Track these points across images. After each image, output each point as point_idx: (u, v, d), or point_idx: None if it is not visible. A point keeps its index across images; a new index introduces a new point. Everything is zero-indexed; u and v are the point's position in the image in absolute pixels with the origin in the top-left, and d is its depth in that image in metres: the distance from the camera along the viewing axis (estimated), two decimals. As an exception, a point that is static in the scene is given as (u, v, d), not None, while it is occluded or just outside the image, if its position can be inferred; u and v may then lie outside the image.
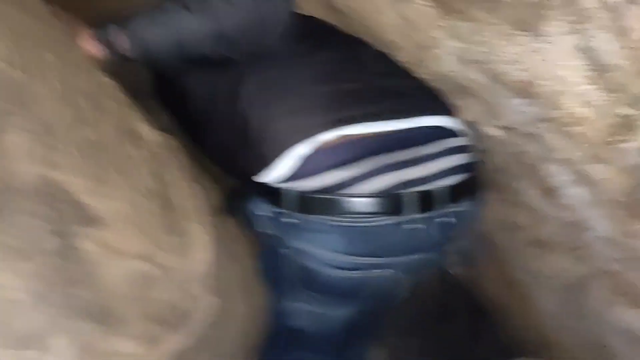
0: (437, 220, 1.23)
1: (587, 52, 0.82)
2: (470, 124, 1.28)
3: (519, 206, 1.44)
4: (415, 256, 1.26)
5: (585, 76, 0.85)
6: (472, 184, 1.28)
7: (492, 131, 1.24)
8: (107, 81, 1.07)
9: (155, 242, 1.04)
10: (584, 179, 1.08)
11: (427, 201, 1.20)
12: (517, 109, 1.07)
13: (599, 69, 0.83)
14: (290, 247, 1.26)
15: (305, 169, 1.17)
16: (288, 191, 1.19)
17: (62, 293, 0.85)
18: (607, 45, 0.79)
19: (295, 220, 1.22)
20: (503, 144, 1.26)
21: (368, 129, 1.16)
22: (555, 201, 1.26)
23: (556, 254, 1.48)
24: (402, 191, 1.17)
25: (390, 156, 1.18)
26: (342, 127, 1.15)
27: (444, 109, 1.26)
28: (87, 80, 0.99)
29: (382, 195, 1.17)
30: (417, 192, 1.18)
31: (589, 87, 0.87)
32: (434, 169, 1.21)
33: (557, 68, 0.89)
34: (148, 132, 1.09)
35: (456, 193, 1.23)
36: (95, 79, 1.04)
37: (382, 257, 1.24)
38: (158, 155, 1.09)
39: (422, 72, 1.24)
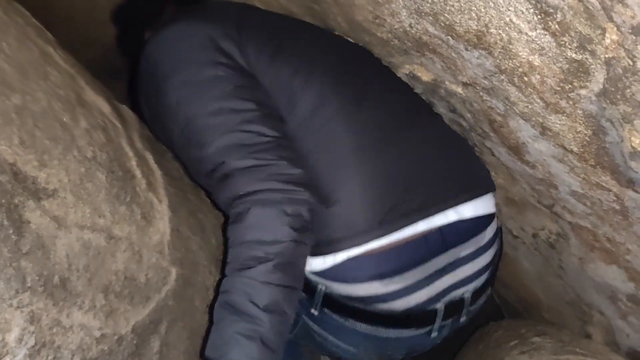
0: (454, 322, 1.26)
1: (531, -5, 0.78)
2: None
3: (492, 165, 1.42)
4: (418, 349, 1.29)
5: (531, 20, 0.81)
6: (492, 281, 1.31)
7: (456, 88, 1.21)
8: (52, 51, 1.04)
9: (109, 213, 1.02)
10: (545, 131, 1.05)
11: (456, 308, 1.23)
12: (475, 62, 1.03)
13: (544, 12, 0.79)
14: (307, 323, 1.26)
15: (346, 274, 1.13)
16: (321, 286, 1.17)
17: (11, 266, 0.84)
18: (549, -14, 0.75)
19: (319, 313, 1.20)
20: (469, 100, 1.22)
21: (414, 230, 1.14)
22: (523, 158, 1.24)
23: (532, 212, 1.46)
24: (437, 306, 1.18)
25: (430, 264, 1.16)
26: (391, 233, 1.12)
27: (482, 186, 1.26)
28: (27, 49, 0.96)
29: (417, 311, 1.16)
30: (450, 302, 1.20)
31: (536, 32, 0.83)
32: (468, 271, 1.22)
33: (505, 14, 0.85)
34: (97, 102, 1.07)
35: (479, 294, 1.27)
36: (40, 49, 1.01)
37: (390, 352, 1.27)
38: (109, 125, 1.07)
39: (382, 31, 1.21)
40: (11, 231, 0.84)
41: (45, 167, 0.90)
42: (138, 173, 1.09)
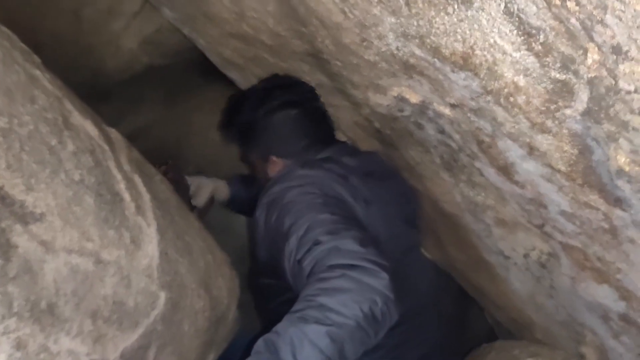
0: None
1: (515, 16, 0.80)
2: None
3: (481, 186, 1.42)
4: None
5: (515, 42, 0.83)
6: None
7: (444, 109, 1.22)
8: (39, 74, 1.04)
9: (97, 237, 1.01)
10: (533, 151, 1.06)
11: None
12: (462, 84, 1.05)
13: (527, 33, 0.80)
14: None
15: None
16: None
17: (-3, 291, 0.83)
18: (532, 7, 0.76)
19: None
20: (457, 121, 1.23)
21: None
22: (512, 178, 1.24)
23: (523, 232, 1.46)
24: None
25: None
26: None
27: None
28: (14, 72, 0.96)
29: None
30: None
31: (520, 53, 0.84)
32: None
33: (490, 36, 0.86)
34: (85, 125, 1.07)
35: None
36: (27, 72, 1.01)
37: None
38: (96, 148, 1.07)
39: (370, 54, 1.22)
40: (-2, 255, 0.83)
41: (32, 191, 0.90)
42: (127, 196, 1.08)
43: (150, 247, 1.09)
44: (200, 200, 1.78)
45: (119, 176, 1.08)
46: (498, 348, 1.56)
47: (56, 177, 0.95)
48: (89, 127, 1.06)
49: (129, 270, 1.06)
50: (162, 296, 1.11)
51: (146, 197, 1.13)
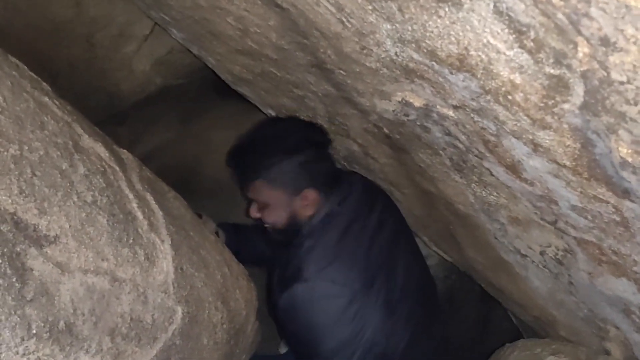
0: None
1: (504, 15, 0.80)
2: None
3: (492, 185, 1.42)
4: None
5: (507, 40, 0.83)
6: None
7: (448, 111, 1.23)
8: (48, 101, 1.08)
9: (112, 256, 1.04)
10: (537, 148, 1.06)
11: None
12: (461, 85, 1.05)
13: (518, 31, 0.81)
14: None
15: None
16: None
17: (15, 314, 0.86)
18: (520, 5, 0.77)
19: None
20: (462, 122, 1.24)
21: None
22: (521, 176, 1.24)
23: (537, 229, 1.45)
24: None
25: None
26: None
27: None
28: (23, 100, 0.99)
29: None
30: None
31: (513, 51, 0.85)
32: None
33: (482, 36, 0.87)
34: (95, 148, 1.10)
35: None
36: (36, 100, 1.05)
37: None
38: (107, 169, 1.10)
39: (371, 61, 1.23)
40: (14, 279, 0.86)
41: (45, 215, 0.93)
42: (139, 214, 1.11)
43: (165, 263, 1.12)
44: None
45: (130, 195, 1.11)
46: (521, 347, 1.55)
47: (68, 200, 0.98)
48: (100, 149, 1.09)
49: (145, 286, 1.08)
50: (179, 311, 1.14)
51: (159, 214, 1.16)
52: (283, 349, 2.22)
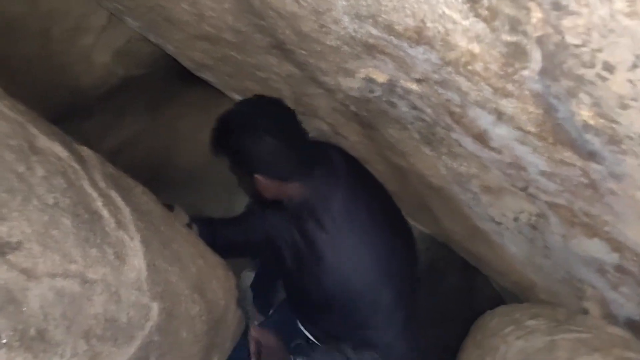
0: None
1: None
2: None
3: (462, 156, 1.42)
4: None
5: (462, 10, 0.82)
6: None
7: (411, 85, 1.22)
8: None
9: (80, 257, 1.01)
10: (501, 116, 1.05)
11: None
12: (422, 58, 1.04)
13: (471, 0, 0.79)
14: None
15: None
16: None
17: (-16, 325, 0.83)
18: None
19: None
20: (426, 95, 1.23)
21: None
22: (488, 145, 1.24)
23: (509, 196, 1.46)
24: None
25: None
26: None
27: None
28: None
29: None
30: None
31: (469, 20, 0.83)
32: None
33: (437, 7, 0.86)
34: (53, 148, 1.06)
35: None
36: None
37: None
38: (68, 169, 1.07)
39: (330, 39, 1.21)
40: (-21, 290, 0.84)
41: (5, 221, 0.90)
42: (105, 213, 1.08)
43: (136, 260, 1.10)
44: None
45: (94, 194, 1.08)
46: (500, 314, 1.56)
47: (29, 204, 0.95)
48: (57, 149, 1.06)
49: (117, 285, 1.06)
50: (155, 307, 1.12)
51: (126, 210, 1.13)
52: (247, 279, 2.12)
